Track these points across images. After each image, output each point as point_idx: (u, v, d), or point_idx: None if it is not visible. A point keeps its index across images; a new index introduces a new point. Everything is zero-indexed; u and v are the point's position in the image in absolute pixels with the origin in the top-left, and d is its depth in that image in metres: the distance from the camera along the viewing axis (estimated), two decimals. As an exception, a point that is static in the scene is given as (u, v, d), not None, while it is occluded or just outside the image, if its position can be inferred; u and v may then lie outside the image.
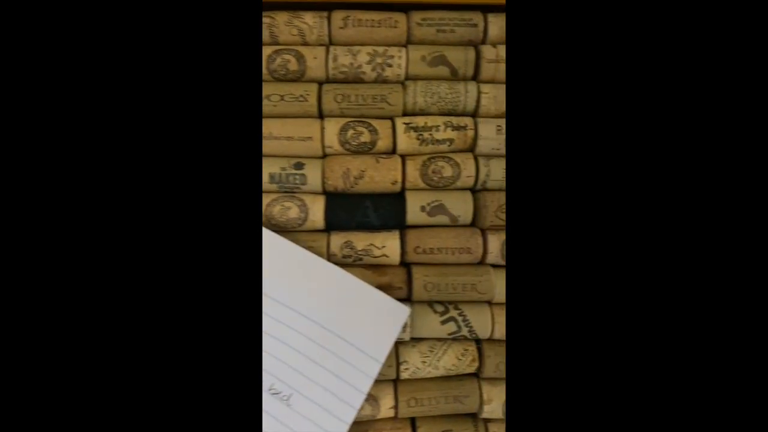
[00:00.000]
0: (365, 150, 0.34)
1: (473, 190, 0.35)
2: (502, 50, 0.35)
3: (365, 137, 0.34)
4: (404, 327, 0.33)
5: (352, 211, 0.34)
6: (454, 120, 0.34)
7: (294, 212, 0.33)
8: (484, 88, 0.35)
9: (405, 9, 0.35)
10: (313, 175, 0.34)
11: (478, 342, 0.35)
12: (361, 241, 0.34)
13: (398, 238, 0.34)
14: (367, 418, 0.33)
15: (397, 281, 0.34)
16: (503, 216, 0.34)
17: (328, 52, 0.35)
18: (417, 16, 0.35)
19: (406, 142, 0.34)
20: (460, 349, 0.34)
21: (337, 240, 0.34)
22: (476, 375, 0.35)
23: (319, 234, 0.34)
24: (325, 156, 0.35)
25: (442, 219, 0.34)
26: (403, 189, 0.35)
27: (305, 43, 0.35)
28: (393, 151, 0.35)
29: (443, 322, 0.34)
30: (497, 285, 0.34)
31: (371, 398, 0.33)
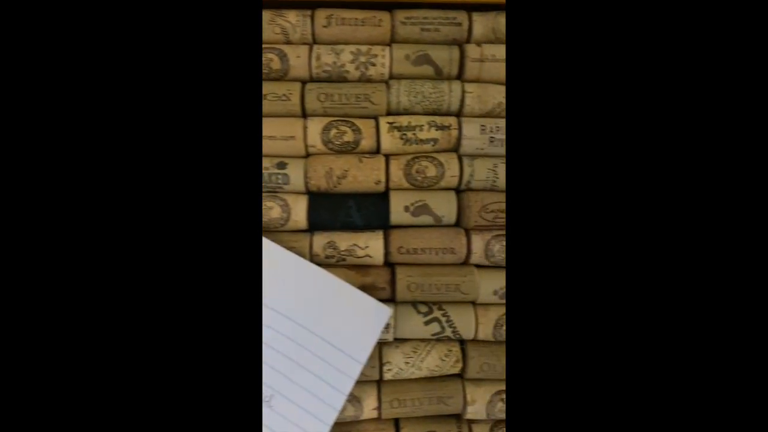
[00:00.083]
0: (348, 149, 0.34)
1: (457, 190, 0.35)
2: (486, 49, 0.35)
3: (348, 137, 0.34)
4: (387, 327, 0.33)
5: (335, 211, 0.34)
6: (438, 119, 0.34)
7: (276, 212, 0.33)
8: (469, 87, 0.34)
9: (389, 8, 0.35)
10: (295, 174, 0.33)
11: (462, 343, 0.34)
12: (344, 241, 0.33)
13: (382, 239, 0.34)
14: (351, 419, 0.33)
15: (381, 282, 0.33)
16: (487, 216, 0.34)
17: (311, 50, 0.34)
18: (401, 15, 0.35)
19: (389, 141, 0.34)
20: (443, 350, 0.34)
21: (320, 240, 0.33)
22: (460, 376, 0.34)
23: (302, 234, 0.34)
24: (308, 155, 0.34)
25: (426, 219, 0.34)
26: (387, 189, 0.34)
27: (288, 42, 0.35)
28: (377, 151, 0.35)
29: (427, 323, 0.33)
30: (481, 285, 0.33)
31: (354, 399, 0.33)
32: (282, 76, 0.35)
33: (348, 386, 0.31)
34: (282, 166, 0.34)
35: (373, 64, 0.34)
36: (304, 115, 0.35)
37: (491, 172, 0.34)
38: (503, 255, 0.34)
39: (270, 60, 0.34)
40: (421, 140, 0.34)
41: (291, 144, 0.34)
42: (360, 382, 0.33)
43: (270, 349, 0.31)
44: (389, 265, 0.34)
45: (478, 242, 0.34)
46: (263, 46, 0.35)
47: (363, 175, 0.34)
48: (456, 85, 0.34)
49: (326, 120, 0.34)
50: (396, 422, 0.34)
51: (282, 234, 0.33)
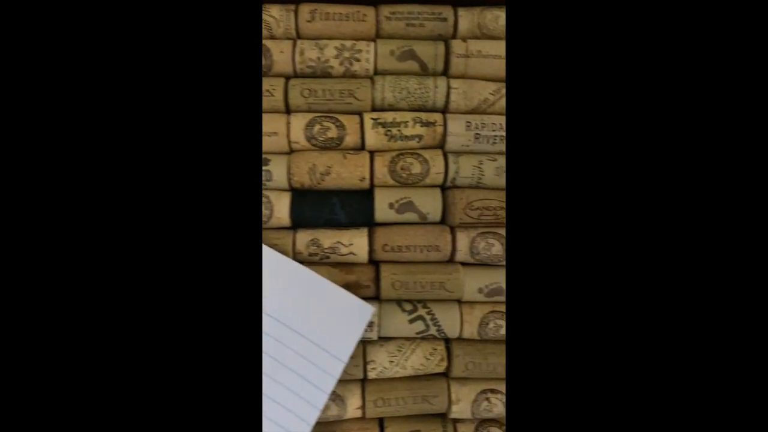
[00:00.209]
0: (332, 146, 0.34)
1: (442, 188, 0.34)
2: (472, 45, 0.34)
3: (332, 133, 0.33)
4: (372, 326, 0.32)
5: (319, 208, 0.33)
6: (423, 116, 0.34)
7: (259, 209, 0.33)
8: (454, 83, 0.34)
9: (373, 2, 0.35)
10: (278, 171, 0.33)
11: (447, 341, 0.34)
12: (328, 238, 0.33)
13: (366, 236, 0.33)
14: (334, 419, 0.33)
15: (365, 279, 0.33)
16: (472, 213, 0.33)
17: (294, 45, 0.34)
18: (385, 10, 0.34)
19: (374, 137, 0.34)
20: (428, 349, 0.34)
21: (303, 238, 0.33)
22: (445, 375, 0.34)
23: (285, 231, 0.33)
24: (291, 152, 0.34)
25: (411, 216, 0.34)
26: (372, 186, 0.34)
27: (272, 37, 0.35)
28: (361, 147, 0.34)
29: (411, 321, 0.33)
30: (466, 283, 0.33)
31: (338, 398, 0.32)
32: (266, 72, 0.34)
33: (330, 385, 0.30)
34: (265, 162, 0.33)
35: (358, 60, 0.34)
36: (288, 110, 0.34)
37: (476, 169, 0.34)
38: (488, 252, 0.33)
39: (253, 55, 0.34)
40: (406, 137, 0.34)
41: (274, 140, 0.33)
42: (344, 381, 0.32)
43: (251, 348, 0.30)
44: (373, 262, 0.34)
45: (463, 240, 0.33)
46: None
47: (347, 172, 0.33)
48: (441, 81, 0.34)
49: (310, 116, 0.34)
50: (380, 421, 0.34)
51: (265, 231, 0.33)
